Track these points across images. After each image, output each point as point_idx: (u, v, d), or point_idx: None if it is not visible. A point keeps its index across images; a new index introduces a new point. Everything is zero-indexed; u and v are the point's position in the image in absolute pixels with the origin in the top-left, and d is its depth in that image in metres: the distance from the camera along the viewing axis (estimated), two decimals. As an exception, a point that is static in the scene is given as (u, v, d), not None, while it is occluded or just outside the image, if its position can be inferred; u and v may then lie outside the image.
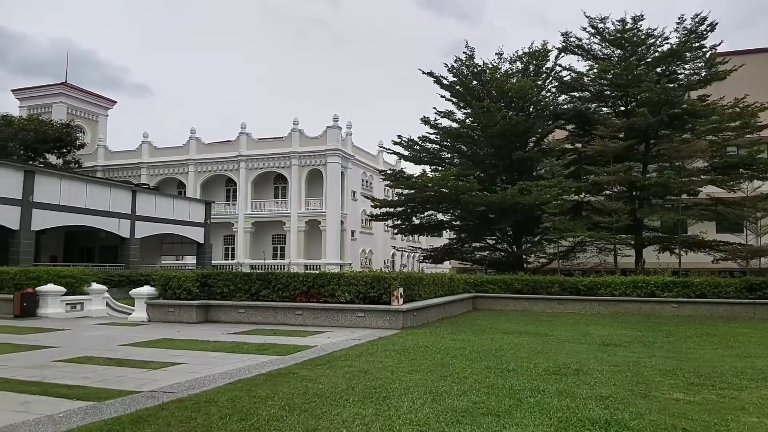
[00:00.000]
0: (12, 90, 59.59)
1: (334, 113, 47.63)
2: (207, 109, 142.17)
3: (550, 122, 30.84)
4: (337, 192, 47.28)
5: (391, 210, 32.72)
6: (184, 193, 50.02)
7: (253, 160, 49.99)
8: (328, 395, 6.73)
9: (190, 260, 47.80)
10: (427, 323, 16.01)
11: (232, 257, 50.82)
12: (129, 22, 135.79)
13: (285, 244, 50.13)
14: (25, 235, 26.23)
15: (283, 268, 46.97)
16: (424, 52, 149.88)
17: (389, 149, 32.25)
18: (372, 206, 33.38)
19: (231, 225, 50.31)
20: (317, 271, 16.13)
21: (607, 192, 28.82)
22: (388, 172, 32.85)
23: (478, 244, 31.97)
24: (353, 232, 50.50)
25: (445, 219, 33.35)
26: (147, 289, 16.65)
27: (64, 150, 48.34)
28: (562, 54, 31.58)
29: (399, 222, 33.51)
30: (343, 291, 15.33)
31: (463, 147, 31.29)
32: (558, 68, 31.72)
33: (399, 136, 30.73)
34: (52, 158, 47.81)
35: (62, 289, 18.03)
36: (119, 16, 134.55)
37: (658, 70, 30.09)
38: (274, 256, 51.00)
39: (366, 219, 53.62)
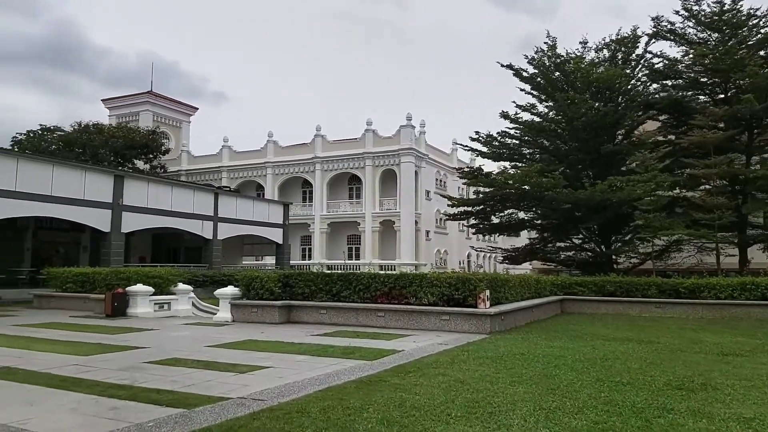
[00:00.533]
0: (102, 100, 63.29)
1: (407, 112, 47.35)
2: (281, 114, 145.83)
3: (640, 113, 28.89)
4: (411, 191, 46.76)
5: (469, 209, 31.77)
6: (263, 196, 51.10)
7: (328, 162, 50.37)
8: (427, 408, 6.13)
9: (269, 260, 48.76)
10: (515, 327, 15.12)
11: (309, 257, 51.44)
12: (208, 34, 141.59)
13: (360, 244, 50.15)
14: (115, 237, 27.40)
15: (358, 269, 47.01)
16: (494, 49, 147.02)
17: (466, 146, 31.31)
18: (448, 205, 32.59)
19: (307, 226, 50.93)
20: (398, 272, 15.62)
21: (706, 186, 26.62)
22: (465, 170, 31.93)
23: (562, 244, 30.45)
24: (428, 232, 49.82)
25: (526, 218, 32.03)
26: (231, 290, 16.72)
27: (151, 155, 50.55)
28: (653, 40, 29.56)
29: (476, 221, 32.49)
30: (426, 293, 14.71)
31: (545, 142, 29.89)
32: (648, 55, 29.72)
33: (477, 132, 29.80)
34: (140, 164, 50.14)
35: (150, 289, 18.48)
36: (200, 28, 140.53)
37: (762, 53, 27.52)
38: (349, 257, 51.14)
39: (441, 219, 52.80)
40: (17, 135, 50.23)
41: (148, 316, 17.97)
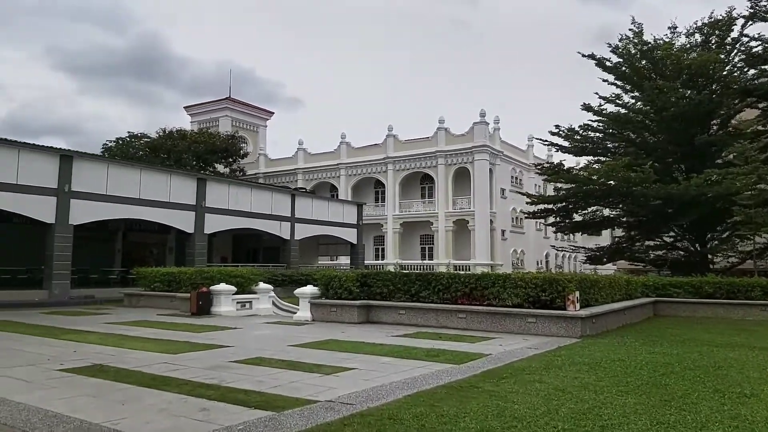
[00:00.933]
0: (184, 107, 66.19)
1: (480, 109, 46.14)
2: (354, 115, 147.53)
3: (737, 101, 26.73)
4: (486, 190, 45.73)
5: (549, 206, 30.53)
6: (337, 197, 51.60)
7: (400, 161, 50.19)
8: (529, 419, 5.62)
9: (344, 260, 49.19)
10: (606, 331, 14.19)
11: (382, 257, 51.45)
12: (282, 41, 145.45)
13: (433, 244, 49.63)
14: (199, 238, 28.37)
15: (432, 269, 46.49)
16: (568, 42, 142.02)
17: (546, 141, 30.09)
18: (527, 203, 31.47)
19: (380, 226, 50.97)
20: (480, 272, 15.05)
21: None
22: (545, 165, 30.70)
23: (651, 243, 28.65)
24: (503, 231, 48.58)
25: (611, 215, 30.40)
26: (310, 289, 16.73)
27: (230, 159, 52.28)
28: (750, 22, 27.29)
29: (557, 219, 31.17)
30: (510, 294, 14.05)
31: (632, 134, 28.22)
32: (745, 39, 27.44)
33: (557, 126, 28.56)
34: (220, 167, 51.95)
35: (233, 288, 18.84)
36: (274, 36, 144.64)
37: None
38: (422, 257, 50.75)
39: (517, 217, 51.38)
40: (107, 142, 53.38)
41: (231, 315, 18.31)
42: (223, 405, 6.14)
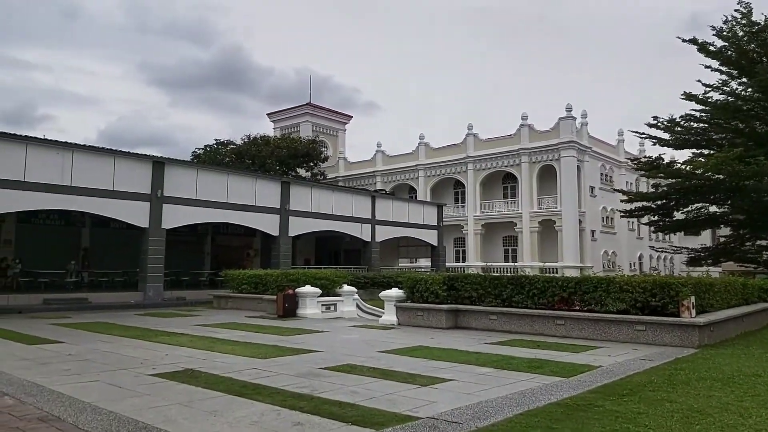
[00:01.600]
0: (267, 114, 68.00)
1: (566, 103, 44.07)
2: (430, 117, 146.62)
3: None
4: (573, 188, 43.58)
5: (647, 204, 28.41)
6: (415, 198, 51.06)
7: (481, 161, 48.93)
8: (672, 449, 4.74)
9: (423, 263, 48.58)
10: (726, 340, 12.72)
11: (463, 260, 50.34)
12: (357, 47, 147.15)
13: (516, 245, 47.96)
14: (283, 240, 28.70)
15: (516, 272, 44.87)
16: (655, 33, 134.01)
17: (643, 134, 27.96)
18: (622, 201, 29.47)
19: (461, 227, 49.89)
20: (579, 275, 13.96)
21: None
22: (642, 160, 28.62)
23: (764, 242, 25.99)
24: (593, 231, 46.13)
25: (717, 212, 27.89)
26: (395, 292, 16.23)
27: (311, 164, 53.05)
28: None
29: (656, 218, 28.99)
30: (614, 299, 12.86)
31: (740, 124, 25.72)
32: None
33: (655, 118, 26.49)
34: (301, 172, 52.84)
35: (318, 290, 18.69)
36: (350, 42, 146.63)
37: None
38: (506, 259, 49.15)
39: (607, 217, 48.70)
40: (196, 149, 55.68)
41: (316, 317, 18.16)
42: (317, 419, 5.67)
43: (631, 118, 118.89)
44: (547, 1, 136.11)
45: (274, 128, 65.24)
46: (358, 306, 20.39)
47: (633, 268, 51.75)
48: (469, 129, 49.97)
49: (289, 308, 18.29)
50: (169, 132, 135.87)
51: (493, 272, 44.14)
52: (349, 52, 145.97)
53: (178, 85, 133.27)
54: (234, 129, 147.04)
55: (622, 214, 32.28)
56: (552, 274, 20.69)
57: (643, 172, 28.19)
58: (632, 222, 52.62)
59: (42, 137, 21.83)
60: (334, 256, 40.88)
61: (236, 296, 21.91)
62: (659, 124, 26.84)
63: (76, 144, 22.29)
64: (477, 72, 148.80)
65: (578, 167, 44.43)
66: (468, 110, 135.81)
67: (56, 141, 21.87)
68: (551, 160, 44.68)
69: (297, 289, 18.68)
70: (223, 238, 34.23)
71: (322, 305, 18.95)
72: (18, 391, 6.88)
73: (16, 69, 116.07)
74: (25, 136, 20.96)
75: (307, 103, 63.79)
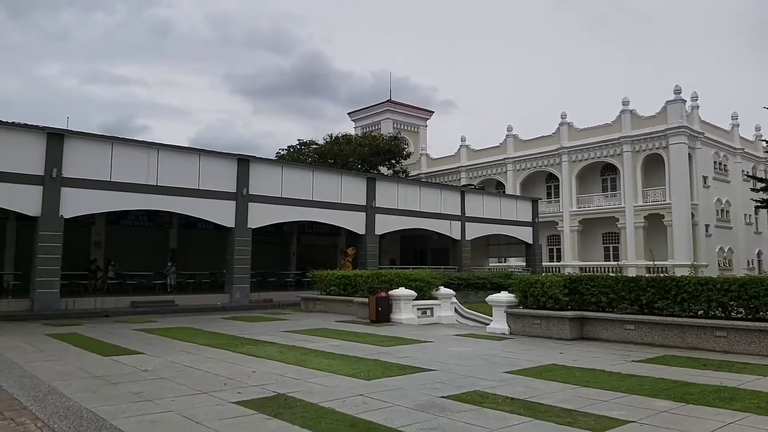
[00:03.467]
0: (348, 113, 67.29)
1: (674, 85, 39.74)
2: (511, 114, 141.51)
3: None
4: (685, 178, 39.24)
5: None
6: (504, 193, 48.30)
7: (577, 152, 45.35)
8: None
9: (514, 262, 45.72)
10: None
11: (558, 259, 46.97)
12: (432, 46, 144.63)
13: (618, 243, 44.02)
14: (370, 239, 27.17)
15: (617, 270, 41.09)
16: (746, 11, 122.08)
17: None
18: (754, 189, 25.54)
19: (555, 224, 46.51)
20: (744, 276, 11.28)
21: None
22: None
23: None
24: (706, 226, 41.47)
25: None
26: (505, 296, 14.10)
27: (393, 161, 51.53)
28: None
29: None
30: (797, 304, 10.16)
31: None
32: None
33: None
34: (383, 169, 51.44)
35: (413, 293, 16.89)
36: (424, 41, 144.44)
37: None
38: (606, 258, 45.28)
39: (723, 210, 43.74)
40: (280, 151, 55.61)
41: (412, 323, 16.36)
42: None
43: (738, 103, 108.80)
44: None
45: (355, 127, 64.37)
46: (456, 310, 18.40)
47: (751, 266, 46.31)
48: (562, 118, 46.54)
49: (383, 312, 16.59)
50: (253, 138, 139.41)
51: (592, 272, 40.62)
52: (424, 51, 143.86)
53: (261, 93, 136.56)
54: (315, 133, 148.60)
55: (758, 203, 28.09)
56: (660, 274, 17.71)
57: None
58: (749, 215, 47.22)
59: (127, 138, 21.43)
60: (420, 256, 39.00)
61: (324, 298, 20.53)
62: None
63: (161, 144, 21.76)
64: (558, 65, 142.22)
65: (689, 155, 40.02)
66: (553, 104, 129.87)
67: (141, 141, 21.44)
68: (658, 149, 40.51)
69: (390, 292, 16.95)
70: (308, 238, 33.26)
71: (418, 309, 17.11)
72: (71, 427, 5.47)
73: (115, 84, 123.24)
74: (111, 136, 20.60)
75: (387, 100, 62.41)
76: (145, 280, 23.36)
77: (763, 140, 25.87)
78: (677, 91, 39.72)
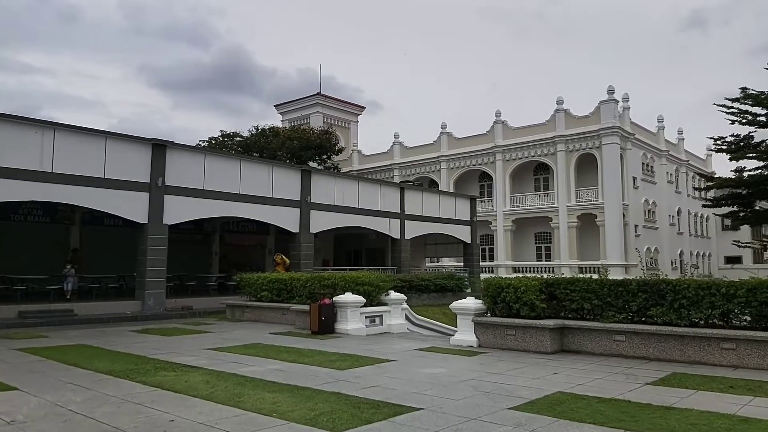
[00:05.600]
0: (274, 105, 64.01)
1: (608, 85, 40.02)
2: (433, 117, 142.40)
3: None
4: (617, 178, 39.50)
5: (736, 191, 24.29)
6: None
7: (511, 151, 44.88)
8: None
9: (447, 262, 44.56)
10: None
11: (491, 259, 46.33)
12: (358, 47, 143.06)
13: (550, 243, 43.94)
14: (305, 238, 24.72)
15: (551, 271, 40.87)
16: (658, 29, 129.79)
17: (731, 108, 23.75)
18: (702, 188, 25.37)
19: (489, 223, 45.84)
20: (750, 278, 10.00)
21: None
22: (729, 139, 24.54)
23: None
24: (636, 226, 42.04)
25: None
26: (473, 303, 12.22)
27: (324, 156, 49.11)
28: None
29: (736, 209, 24.94)
30: (812, 311, 8.90)
31: None
32: None
33: (743, 90, 22.39)
34: (314, 165, 48.87)
35: (362, 299, 14.72)
36: (350, 42, 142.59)
37: None
38: (538, 258, 45.13)
39: (649, 211, 44.59)
40: (200, 142, 51.58)
41: (360, 334, 14.22)
42: None
43: (654, 111, 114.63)
44: (549, 1, 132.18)
45: (282, 120, 61.26)
46: (407, 317, 16.42)
47: (674, 266, 47.70)
48: (497, 116, 45.98)
49: (326, 322, 14.32)
50: (172, 133, 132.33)
51: (525, 273, 40.06)
52: (349, 52, 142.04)
53: (180, 87, 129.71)
54: (239, 129, 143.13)
55: (705, 203, 28.01)
56: (590, 275, 16.76)
57: (732, 154, 24.03)
58: (672, 216, 48.65)
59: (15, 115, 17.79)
60: (355, 257, 36.87)
61: (254, 305, 17.94)
62: (749, 97, 22.70)
63: (58, 123, 18.33)
64: (483, 70, 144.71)
65: (621, 156, 40.35)
66: (476, 109, 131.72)
67: (32, 119, 17.91)
68: (591, 148, 40.62)
69: (335, 298, 14.70)
70: (233, 237, 30.25)
71: (366, 317, 14.97)
72: None
73: (20, 73, 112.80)
74: (-6, 111, 16.97)
75: (317, 93, 59.83)
76: (38, 285, 19.71)
77: (734, 136, 25.35)
78: (610, 91, 39.95)
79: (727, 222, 57.25)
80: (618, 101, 40.53)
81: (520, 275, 13.82)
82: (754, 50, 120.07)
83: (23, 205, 21.51)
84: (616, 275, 23.85)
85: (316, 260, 31.03)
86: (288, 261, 23.20)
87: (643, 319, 10.68)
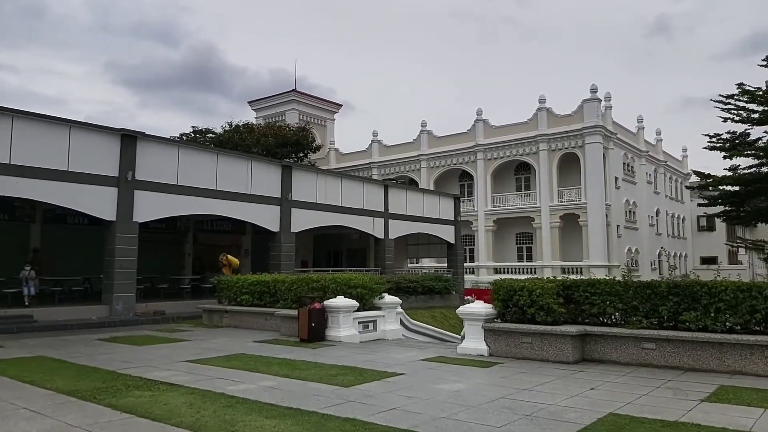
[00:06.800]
0: (248, 102, 62.18)
1: (591, 84, 39.57)
2: (406, 118, 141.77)
3: None
4: (600, 178, 39.03)
5: (728, 189, 23.78)
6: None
7: (492, 149, 44.11)
8: None
9: (427, 263, 43.57)
10: None
11: (472, 260, 45.46)
12: (330, 47, 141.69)
13: (532, 243, 43.31)
14: (285, 238, 23.32)
15: (534, 272, 40.19)
16: (624, 36, 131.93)
17: (727, 102, 23.16)
18: (697, 186, 24.83)
19: (469, 224, 44.96)
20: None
21: None
22: (725, 136, 23.99)
23: None
24: (618, 227, 41.69)
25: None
26: (482, 307, 11.13)
27: (301, 154, 47.60)
28: None
29: (729, 208, 24.47)
30: None
31: None
32: None
33: (740, 86, 21.82)
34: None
35: (355, 303, 13.49)
36: (322, 42, 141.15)
37: None
38: (519, 258, 44.47)
39: (630, 211, 44.32)
40: (171, 138, 49.50)
41: (354, 341, 13.02)
42: None
43: (631, 112, 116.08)
44: (518, 6, 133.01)
45: (256, 117, 59.47)
46: (402, 322, 15.26)
47: (653, 267, 47.66)
48: (478, 114, 45.19)
49: (317, 329, 13.06)
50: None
51: (507, 274, 39.32)
52: (321, 52, 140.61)
53: (147, 85, 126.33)
54: (211, 126, 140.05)
55: (700, 202, 27.46)
56: (573, 276, 15.89)
57: (728, 152, 23.48)
58: (652, 216, 48.60)
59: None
60: (335, 257, 35.55)
61: (234, 310, 16.54)
62: (743, 92, 22.19)
63: (16, 110, 16.59)
64: (454, 73, 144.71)
65: (603, 155, 39.91)
66: (448, 111, 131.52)
67: (-13, 103, 16.16)
68: (574, 147, 40.09)
69: (326, 302, 13.44)
70: (206, 236, 28.63)
71: (359, 323, 13.75)
72: None
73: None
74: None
75: (292, 90, 58.30)
76: (-7, 288, 17.93)
77: (730, 132, 24.61)
78: (593, 89, 39.51)
79: (703, 223, 57.81)
80: (600, 100, 40.09)
81: (503, 276, 12.91)
82: (718, 56, 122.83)
83: (-23, 201, 19.70)
84: (599, 276, 23.23)
85: (296, 261, 29.67)
86: (236, 262, 21.38)
87: (673, 324, 9.74)
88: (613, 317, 10.51)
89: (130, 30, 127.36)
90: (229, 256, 21.17)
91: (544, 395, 7.39)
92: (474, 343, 11.03)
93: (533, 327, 10.34)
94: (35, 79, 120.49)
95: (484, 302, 11.43)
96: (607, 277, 10.94)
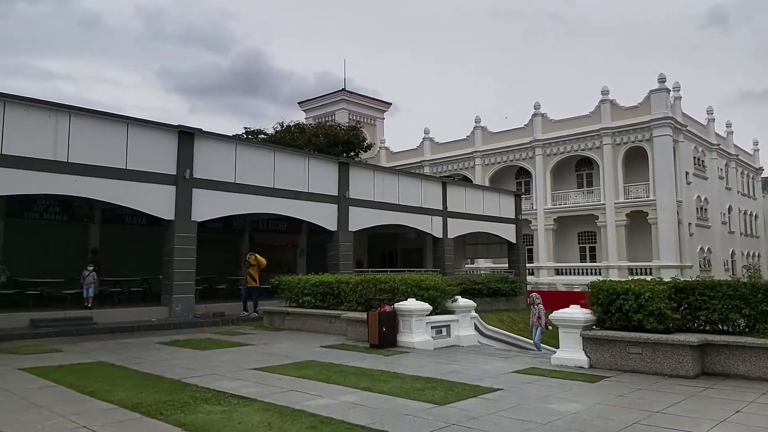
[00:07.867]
0: (298, 102, 62.13)
1: (659, 73, 37.23)
2: (452, 119, 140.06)
3: None
4: (669, 173, 36.68)
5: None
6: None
7: (552, 145, 42.24)
8: None
9: (483, 263, 42.12)
10: None
11: (531, 260, 43.63)
12: (376, 50, 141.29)
13: (596, 242, 41.19)
14: (343, 237, 22.48)
15: (599, 273, 38.11)
16: (677, 29, 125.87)
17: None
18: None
19: (528, 222, 43.18)
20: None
21: None
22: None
23: None
24: (689, 225, 39.14)
25: None
26: (581, 313, 9.84)
27: (352, 153, 46.97)
28: None
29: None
30: None
31: None
32: None
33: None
34: (342, 161, 46.78)
35: (428, 306, 12.42)
36: (367, 45, 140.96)
37: None
38: (582, 259, 42.37)
39: (702, 208, 41.63)
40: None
41: (427, 348, 11.95)
42: None
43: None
44: (564, 2, 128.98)
45: (306, 118, 59.27)
46: (476, 327, 14.08)
47: (726, 267, 44.65)
48: (536, 108, 43.39)
49: (388, 333, 12.04)
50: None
51: (569, 275, 37.33)
52: (366, 56, 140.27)
53: (198, 91, 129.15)
54: (262, 127, 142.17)
55: None
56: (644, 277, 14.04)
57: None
58: (724, 214, 45.62)
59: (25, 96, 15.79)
60: (389, 257, 34.56)
61: (297, 312, 15.74)
62: None
63: (73, 107, 16.29)
64: (499, 72, 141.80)
65: (674, 149, 37.50)
66: (494, 111, 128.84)
67: (45, 101, 15.87)
68: (641, 141, 37.84)
69: (397, 305, 12.41)
70: (262, 236, 28.03)
71: (432, 328, 12.66)
72: None
73: (40, 78, 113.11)
74: (1, 93, 14.98)
75: (342, 89, 57.84)
76: (54, 289, 17.71)
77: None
78: (662, 79, 37.19)
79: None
80: (669, 90, 37.70)
81: (563, 278, 11.56)
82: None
83: (38, 201, 19.66)
84: (668, 278, 21.37)
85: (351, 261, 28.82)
86: (264, 261, 19.67)
87: (816, 334, 8.25)
88: (735, 324, 9.09)
89: (180, 38, 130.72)
90: (258, 256, 19.88)
91: (684, 420, 6.12)
92: (571, 352, 9.76)
93: (643, 335, 9.00)
94: (91, 87, 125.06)
95: (580, 306, 10.13)
96: (729, 279, 9.49)
